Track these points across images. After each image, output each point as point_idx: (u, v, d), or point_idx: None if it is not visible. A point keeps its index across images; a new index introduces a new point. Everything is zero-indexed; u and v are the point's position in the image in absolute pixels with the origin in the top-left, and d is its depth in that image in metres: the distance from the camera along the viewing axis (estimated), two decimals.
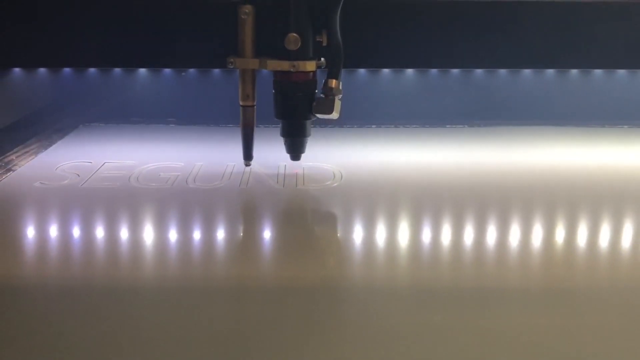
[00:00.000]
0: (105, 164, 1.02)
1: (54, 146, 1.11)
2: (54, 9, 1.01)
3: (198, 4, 1.02)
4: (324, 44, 0.91)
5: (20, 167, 1.01)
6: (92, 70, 1.28)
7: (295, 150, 0.96)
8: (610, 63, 1.13)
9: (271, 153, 1.07)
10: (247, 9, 0.90)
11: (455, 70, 1.28)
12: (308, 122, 0.94)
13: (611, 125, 1.24)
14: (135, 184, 0.94)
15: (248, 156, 0.97)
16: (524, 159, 1.05)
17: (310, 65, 0.92)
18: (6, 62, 1.12)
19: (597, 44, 1.03)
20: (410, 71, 1.23)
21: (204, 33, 1.04)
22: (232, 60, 0.92)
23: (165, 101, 1.31)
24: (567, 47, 1.04)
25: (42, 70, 1.27)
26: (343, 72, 0.94)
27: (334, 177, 0.97)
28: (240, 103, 0.95)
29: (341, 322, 0.62)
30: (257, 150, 1.09)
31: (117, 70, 1.29)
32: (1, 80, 1.19)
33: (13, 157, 1.05)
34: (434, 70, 1.28)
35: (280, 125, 0.96)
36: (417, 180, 0.96)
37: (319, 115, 0.92)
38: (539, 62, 1.11)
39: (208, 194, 0.91)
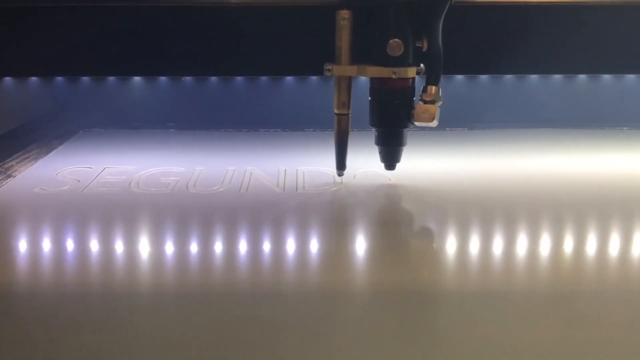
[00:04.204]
0: (106, 169, 1.02)
1: (54, 152, 1.12)
2: (56, 14, 1.01)
3: (197, 11, 1.02)
4: (424, 49, 0.87)
5: (20, 173, 1.01)
6: (92, 76, 1.29)
7: (390, 159, 0.93)
8: (611, 67, 1.13)
9: (271, 157, 1.07)
10: (346, 14, 0.86)
11: (455, 75, 1.28)
12: (405, 131, 0.91)
13: (611, 127, 1.25)
14: (135, 189, 0.94)
15: (341, 166, 0.94)
16: (525, 162, 1.05)
17: (411, 72, 0.88)
18: (5, 69, 1.12)
19: (598, 48, 1.03)
20: None
21: (201, 39, 1.04)
22: (329, 67, 0.88)
23: (164, 106, 1.31)
24: (568, 51, 1.04)
25: (42, 77, 1.27)
26: None
27: (334, 181, 0.97)
28: (335, 111, 0.90)
29: (341, 326, 0.62)
30: (257, 155, 1.10)
31: (117, 76, 1.29)
32: (1, 87, 1.19)
33: (13, 163, 1.05)
34: None
35: (375, 134, 0.92)
36: (416, 184, 0.96)
37: (417, 124, 0.88)
38: (539, 67, 1.11)
39: (208, 198, 0.91)
